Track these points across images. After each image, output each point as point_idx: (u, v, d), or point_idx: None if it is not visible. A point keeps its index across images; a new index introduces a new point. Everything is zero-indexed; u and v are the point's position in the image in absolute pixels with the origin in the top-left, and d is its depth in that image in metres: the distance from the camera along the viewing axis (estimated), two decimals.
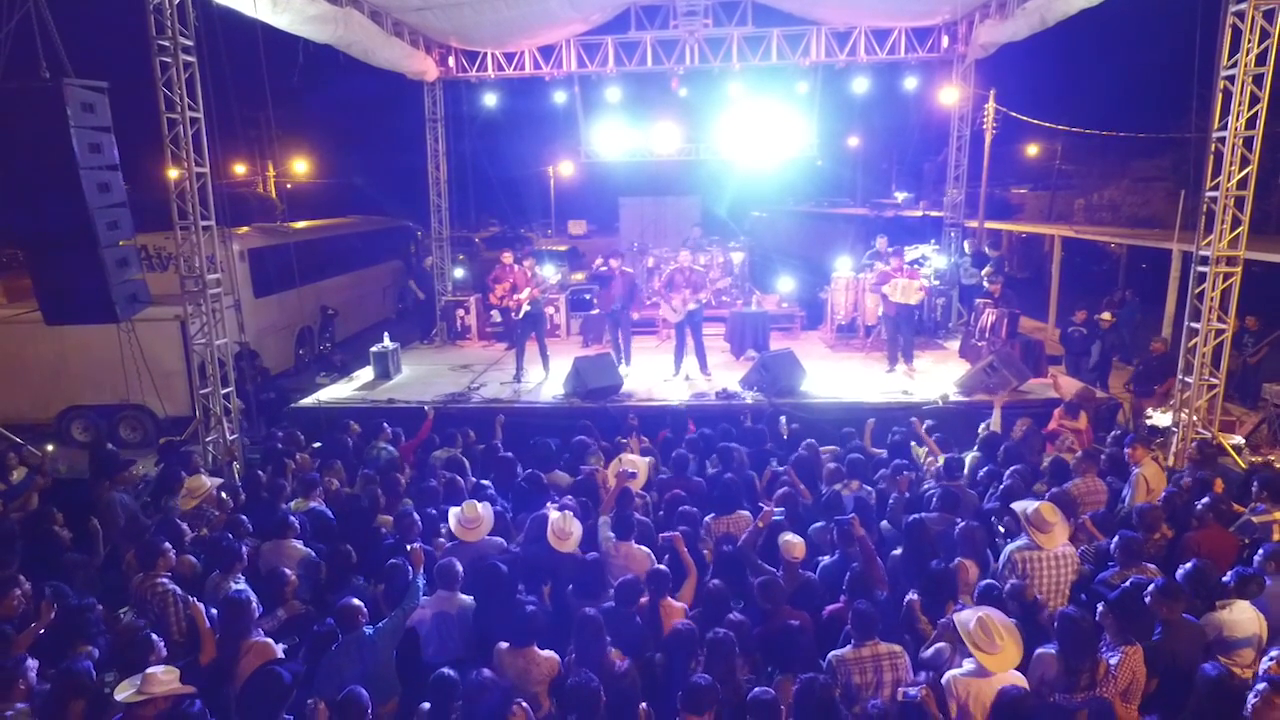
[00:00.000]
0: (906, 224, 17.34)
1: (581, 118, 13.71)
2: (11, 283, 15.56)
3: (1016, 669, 3.68)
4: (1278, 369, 11.07)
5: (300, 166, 36.28)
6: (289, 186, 35.20)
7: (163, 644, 4.04)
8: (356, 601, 4.28)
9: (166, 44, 7.03)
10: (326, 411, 9.11)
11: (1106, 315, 10.85)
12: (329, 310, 15.70)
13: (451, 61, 13.14)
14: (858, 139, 35.51)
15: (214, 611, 4.38)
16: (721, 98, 13.47)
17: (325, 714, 3.59)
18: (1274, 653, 3.76)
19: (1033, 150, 33.51)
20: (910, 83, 13.05)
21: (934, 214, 15.95)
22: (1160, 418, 8.77)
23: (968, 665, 3.64)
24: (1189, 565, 4.30)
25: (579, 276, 18.59)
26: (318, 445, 7.81)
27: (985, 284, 10.77)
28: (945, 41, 12.52)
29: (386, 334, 11.05)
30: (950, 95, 12.88)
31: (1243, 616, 4.12)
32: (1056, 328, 16.97)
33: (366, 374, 10.75)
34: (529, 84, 13.45)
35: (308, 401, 9.65)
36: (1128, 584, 4.16)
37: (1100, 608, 3.82)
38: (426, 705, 3.80)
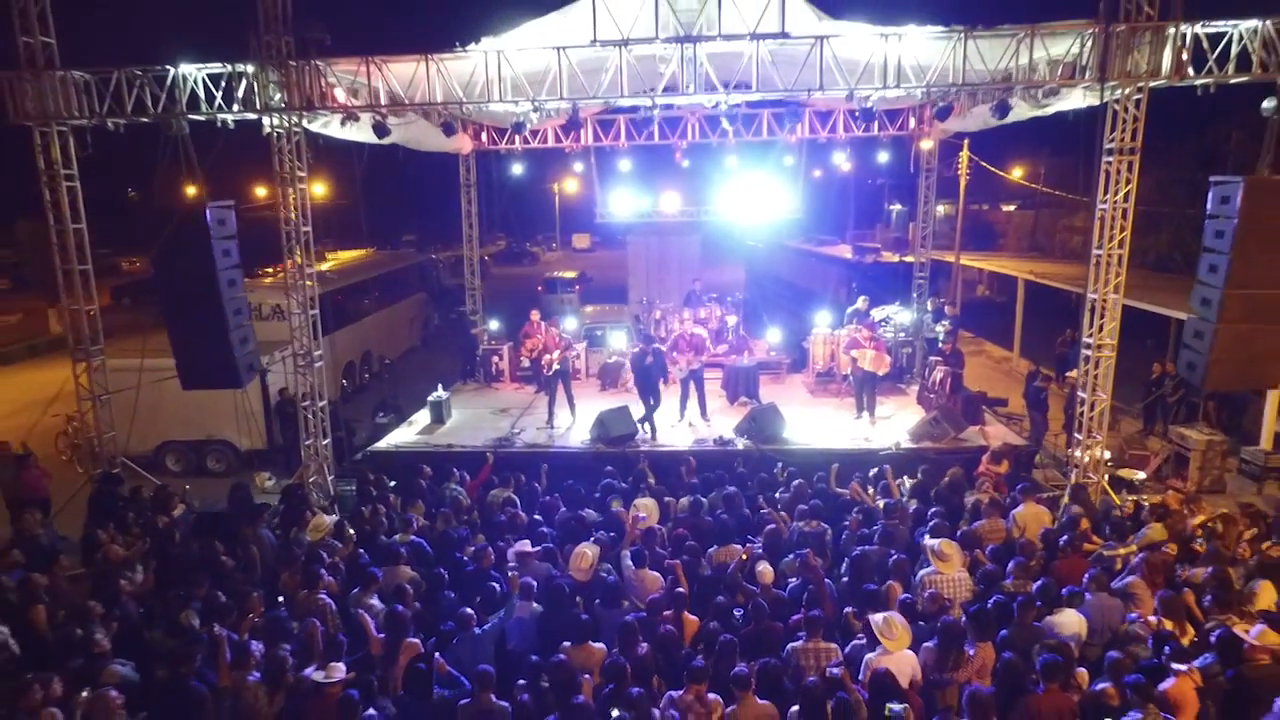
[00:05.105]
0: (882, 274, 19.43)
1: (598, 185, 15.79)
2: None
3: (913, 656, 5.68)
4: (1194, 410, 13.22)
5: (318, 189, 38.21)
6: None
7: (346, 643, 6.03)
8: (469, 610, 6.25)
9: (288, 175, 9.00)
10: (398, 455, 11.13)
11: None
12: (385, 360, 18.48)
13: (484, 137, 15.26)
14: (849, 164, 37.22)
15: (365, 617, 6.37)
16: (719, 167, 15.50)
17: (444, 668, 5.54)
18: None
19: (1017, 173, 35.35)
20: (883, 156, 15.17)
21: (909, 259, 17.98)
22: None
23: (879, 651, 5.63)
24: (1037, 583, 6.30)
25: (589, 310, 20.66)
26: (394, 484, 9.76)
27: (940, 343, 12.74)
28: (912, 122, 14.61)
29: (440, 385, 13.00)
30: (926, 144, 14.78)
31: (1068, 620, 6.12)
32: (1021, 357, 19.13)
33: (423, 418, 12.73)
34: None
35: (381, 446, 11.66)
36: (990, 603, 6.17)
37: (963, 619, 5.82)
38: (522, 681, 5.76)
